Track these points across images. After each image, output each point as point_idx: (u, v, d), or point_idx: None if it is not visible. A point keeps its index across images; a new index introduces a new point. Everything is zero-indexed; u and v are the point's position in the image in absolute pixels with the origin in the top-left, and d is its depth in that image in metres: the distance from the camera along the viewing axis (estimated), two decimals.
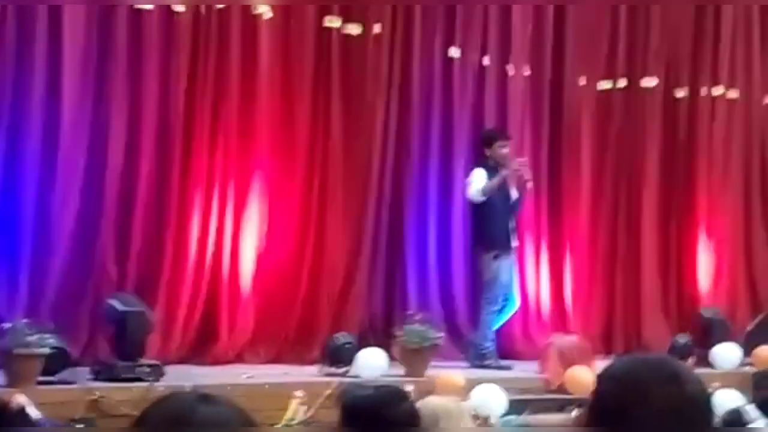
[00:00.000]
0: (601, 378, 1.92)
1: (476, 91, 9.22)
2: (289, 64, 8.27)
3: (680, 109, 10.16)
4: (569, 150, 9.70)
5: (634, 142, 10.00)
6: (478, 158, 8.57)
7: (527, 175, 8.44)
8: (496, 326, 8.45)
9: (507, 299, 8.45)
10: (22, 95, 7.33)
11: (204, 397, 1.69)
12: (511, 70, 9.40)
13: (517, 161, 8.39)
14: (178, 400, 1.69)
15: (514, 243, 8.48)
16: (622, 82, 9.95)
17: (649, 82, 10.03)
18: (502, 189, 8.33)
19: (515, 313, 8.85)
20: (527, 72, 9.49)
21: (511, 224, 8.41)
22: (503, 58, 9.35)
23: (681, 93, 10.16)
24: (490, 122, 9.22)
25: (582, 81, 9.77)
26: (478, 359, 8.22)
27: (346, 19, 8.51)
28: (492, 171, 8.31)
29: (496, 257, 8.26)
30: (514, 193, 8.49)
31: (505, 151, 8.40)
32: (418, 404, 3.41)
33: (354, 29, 8.52)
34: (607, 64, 9.91)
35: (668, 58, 10.10)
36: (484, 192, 8.20)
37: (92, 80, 7.50)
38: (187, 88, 7.84)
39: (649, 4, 9.98)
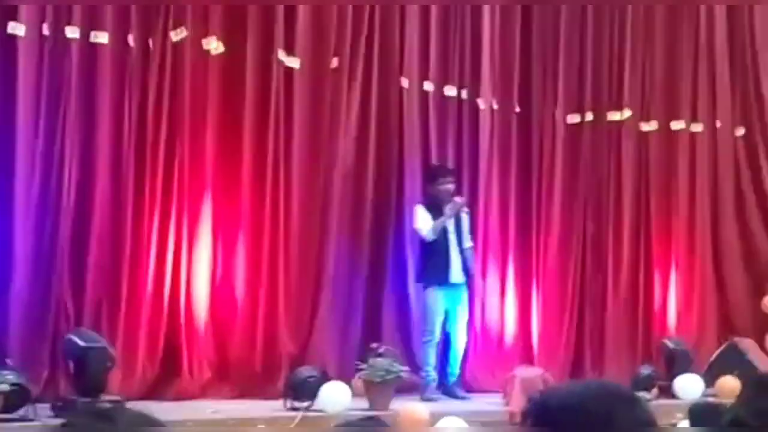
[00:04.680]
0: (550, 407, 1.89)
1: (447, 123, 9.44)
2: (239, 98, 8.39)
3: (649, 142, 10.32)
4: (538, 183, 9.88)
5: (602, 176, 10.15)
6: (423, 193, 8.85)
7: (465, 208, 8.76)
8: (454, 361, 8.65)
9: (452, 333, 8.66)
10: None
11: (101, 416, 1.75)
12: (482, 103, 9.59)
13: (456, 200, 8.63)
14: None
15: (460, 276, 8.63)
16: (590, 116, 10.13)
17: (617, 115, 10.21)
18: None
19: (476, 345, 8.98)
20: (496, 106, 9.70)
21: (455, 257, 8.61)
22: (474, 91, 9.58)
23: (647, 127, 10.33)
24: (458, 155, 9.45)
25: (551, 114, 9.96)
26: (421, 391, 8.43)
27: (299, 53, 8.65)
28: (433, 206, 8.60)
29: (425, 287, 8.55)
30: (463, 226, 8.72)
31: (449, 187, 8.67)
32: None
33: (306, 63, 8.67)
34: (576, 98, 10.09)
35: (636, 91, 10.30)
36: (435, 231, 8.53)
37: (45, 114, 7.57)
38: (138, 123, 7.93)
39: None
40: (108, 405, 6.66)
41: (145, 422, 1.84)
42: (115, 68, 7.87)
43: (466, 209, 8.79)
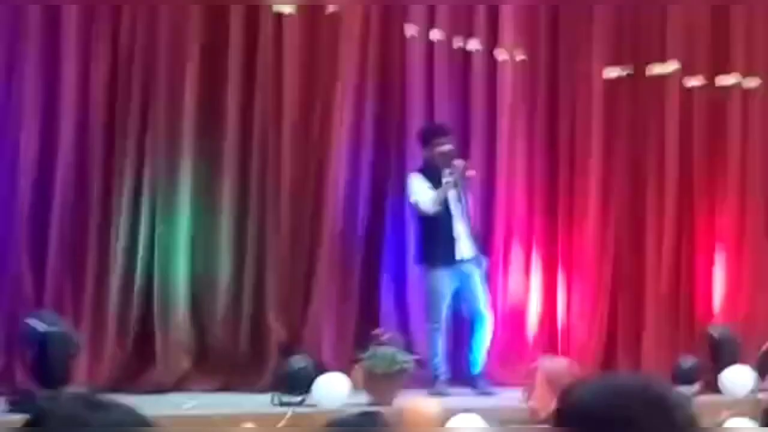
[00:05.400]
0: (570, 407, 1.85)
1: (460, 80, 9.24)
2: (222, 48, 8.29)
3: (693, 100, 10.11)
4: (569, 148, 9.70)
5: (642, 141, 9.95)
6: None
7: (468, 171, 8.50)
8: (478, 348, 8.50)
9: (473, 316, 8.51)
10: None
11: (92, 404, 1.65)
12: (500, 54, 9.38)
13: (456, 163, 8.39)
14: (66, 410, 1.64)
15: (469, 251, 8.43)
16: (629, 70, 9.90)
17: (660, 68, 9.98)
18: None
19: (494, 333, 8.87)
20: (518, 57, 9.48)
21: (460, 231, 8.42)
22: (492, 40, 9.37)
23: (692, 82, 10.11)
24: (475, 115, 9.25)
25: (585, 68, 9.75)
26: (429, 384, 8.27)
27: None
28: (430, 173, 8.37)
29: (429, 268, 8.36)
30: (462, 197, 8.52)
31: (446, 149, 8.41)
32: None
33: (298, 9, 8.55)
34: (615, 47, 9.87)
35: (678, 39, 10.07)
36: (436, 202, 8.28)
37: (2, 74, 7.45)
38: (108, 78, 7.79)
39: None
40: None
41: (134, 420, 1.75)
42: (81, 20, 7.78)
43: (471, 171, 8.56)
